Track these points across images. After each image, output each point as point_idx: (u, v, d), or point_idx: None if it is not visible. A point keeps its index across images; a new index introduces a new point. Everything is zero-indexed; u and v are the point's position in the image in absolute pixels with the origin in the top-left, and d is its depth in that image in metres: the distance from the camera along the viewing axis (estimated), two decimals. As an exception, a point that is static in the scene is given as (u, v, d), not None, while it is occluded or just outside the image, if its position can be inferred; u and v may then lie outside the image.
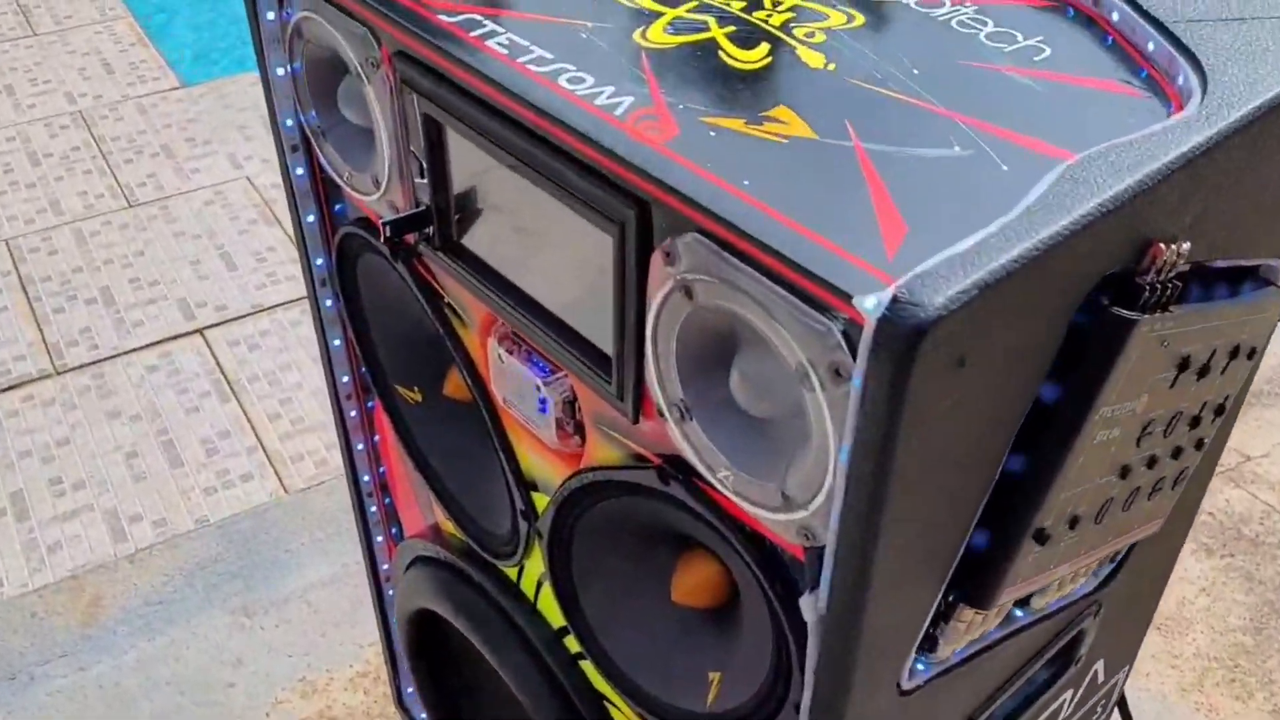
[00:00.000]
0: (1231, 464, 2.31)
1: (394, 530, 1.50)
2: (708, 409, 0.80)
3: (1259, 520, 2.20)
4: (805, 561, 0.79)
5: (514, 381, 1.00)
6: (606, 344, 0.86)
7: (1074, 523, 0.85)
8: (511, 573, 1.22)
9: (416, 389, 1.25)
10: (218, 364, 2.42)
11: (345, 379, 1.33)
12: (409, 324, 1.19)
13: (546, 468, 1.05)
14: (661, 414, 0.83)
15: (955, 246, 0.65)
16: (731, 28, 0.90)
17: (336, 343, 1.29)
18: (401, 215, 0.98)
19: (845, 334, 0.67)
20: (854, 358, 0.66)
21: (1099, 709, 1.34)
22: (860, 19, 0.91)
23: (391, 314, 1.21)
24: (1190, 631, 2.00)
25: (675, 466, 0.87)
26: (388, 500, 1.47)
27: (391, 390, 1.26)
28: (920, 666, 0.88)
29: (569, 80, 0.83)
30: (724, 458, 0.80)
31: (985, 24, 0.91)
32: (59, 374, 2.39)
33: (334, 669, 1.90)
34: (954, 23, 0.91)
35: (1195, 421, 0.93)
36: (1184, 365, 0.83)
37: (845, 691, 0.80)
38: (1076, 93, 0.83)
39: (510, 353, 1.00)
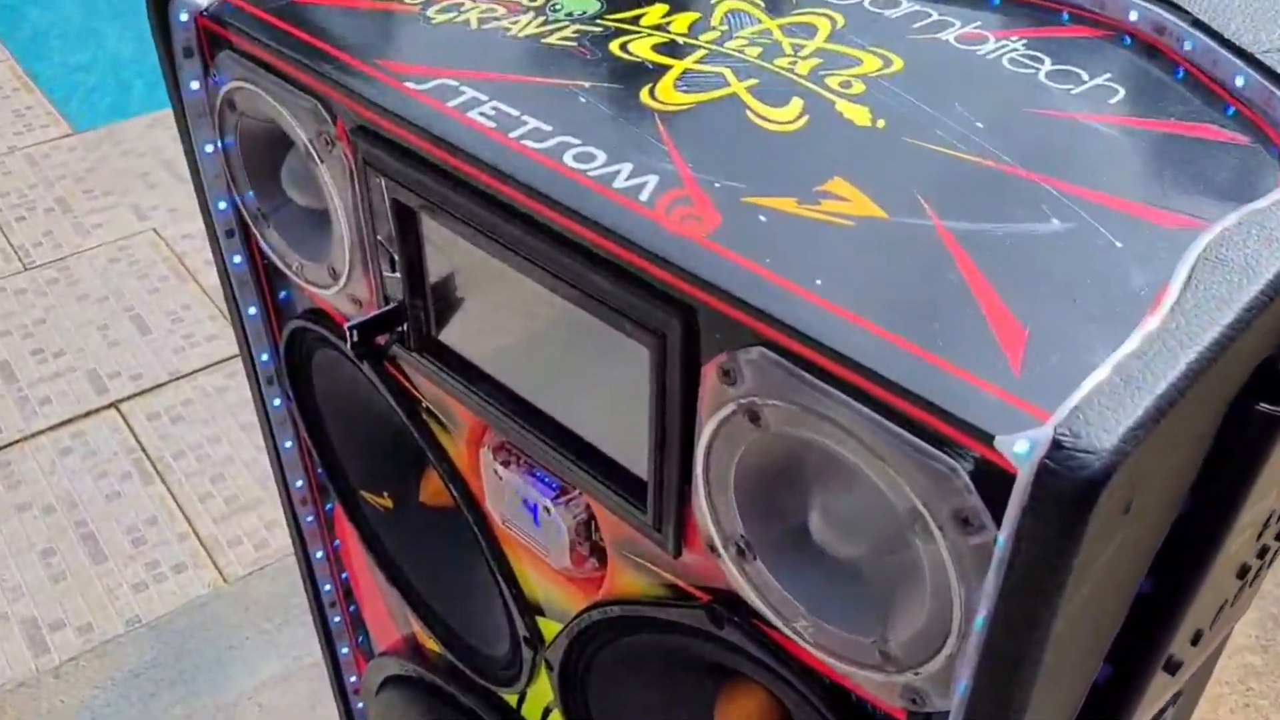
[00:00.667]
0: None
1: (360, 639, 1.34)
2: (776, 547, 0.67)
3: None
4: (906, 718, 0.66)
5: (514, 499, 0.86)
6: (639, 466, 0.72)
7: (1197, 638, 0.73)
8: (511, 698, 1.07)
9: (386, 494, 1.09)
10: (137, 441, 2.22)
11: (299, 484, 1.17)
12: (376, 424, 1.04)
13: (555, 592, 0.91)
14: (714, 549, 0.69)
15: (1104, 361, 0.53)
16: (753, 80, 0.77)
17: (288, 444, 1.13)
18: (370, 316, 0.83)
19: (974, 475, 0.54)
20: (986, 502, 0.53)
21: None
22: (899, 62, 0.78)
23: (354, 414, 1.05)
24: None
25: (728, 604, 0.74)
26: (353, 608, 1.31)
27: (356, 497, 1.10)
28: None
29: (575, 158, 0.69)
30: (801, 605, 0.66)
31: (1041, 61, 0.79)
32: (-41, 465, 2.17)
33: (294, 778, 1.73)
34: (1006, 60, 0.79)
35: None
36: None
37: None
38: (1167, 141, 0.71)
39: (508, 465, 0.85)
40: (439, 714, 1.14)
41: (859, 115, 0.73)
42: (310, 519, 1.20)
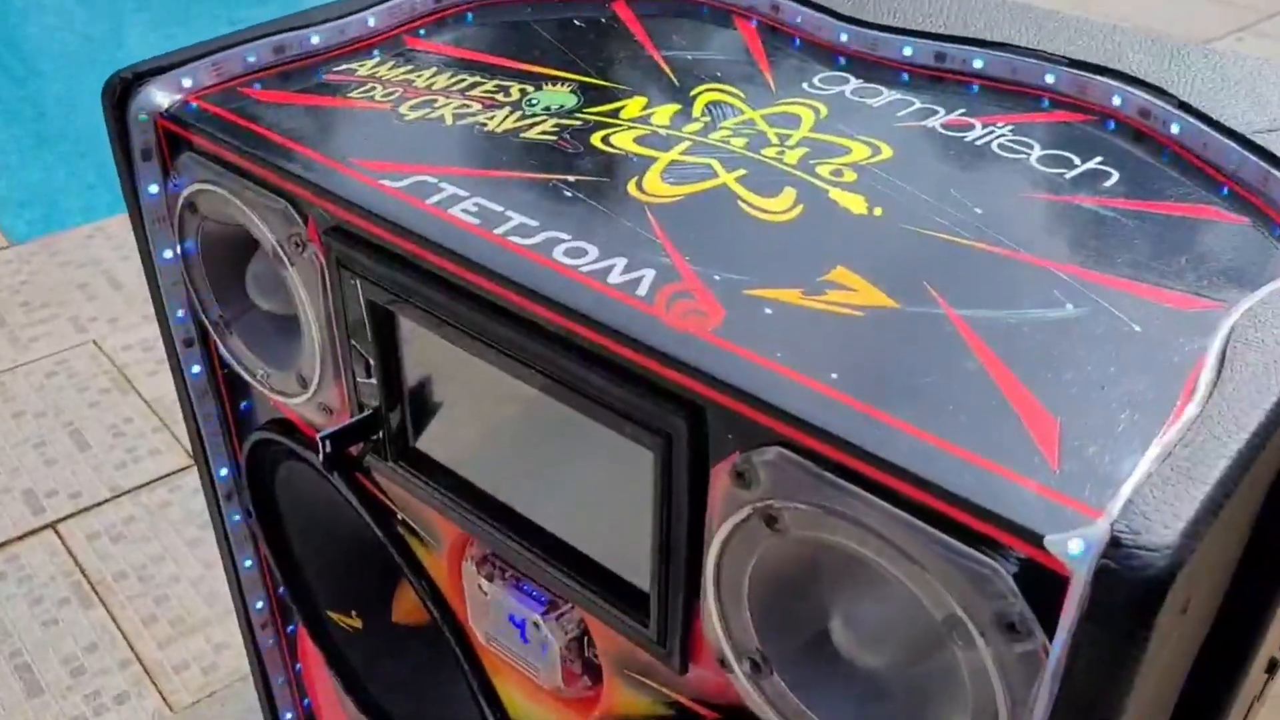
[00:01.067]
0: None
1: (324, 770, 1.26)
2: (795, 660, 0.62)
3: None
4: None
5: (500, 615, 0.81)
6: (641, 577, 0.68)
7: (1274, 667, 0.70)
8: (492, 830, 1.00)
9: (355, 614, 1.03)
10: (76, 563, 2.11)
11: (260, 605, 1.10)
12: (345, 539, 0.98)
13: (544, 715, 0.85)
14: (725, 665, 0.65)
15: (1146, 452, 0.50)
16: (742, 171, 0.75)
17: (248, 563, 1.07)
18: (343, 425, 0.79)
19: (1019, 578, 0.50)
20: (1032, 606, 0.50)
21: None
22: (887, 150, 0.77)
23: (321, 529, 1.00)
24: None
25: (739, 722, 0.69)
26: (314, 734, 1.23)
27: (322, 619, 1.04)
28: None
29: (566, 253, 0.66)
30: (823, 723, 0.62)
31: (1031, 147, 0.78)
32: (-117, 595, 2.05)
33: None
34: (995, 146, 0.78)
35: None
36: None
37: None
38: (1169, 223, 0.70)
39: (493, 579, 0.80)
40: None
41: (855, 204, 0.71)
42: (270, 642, 1.13)
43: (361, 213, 0.71)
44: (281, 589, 1.10)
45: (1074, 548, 0.46)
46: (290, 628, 1.14)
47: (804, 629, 0.62)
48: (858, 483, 0.54)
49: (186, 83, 0.83)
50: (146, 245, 0.88)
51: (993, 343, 0.59)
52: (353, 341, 0.77)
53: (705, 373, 0.58)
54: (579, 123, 0.80)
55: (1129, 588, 0.45)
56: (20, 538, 2.14)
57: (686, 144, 0.78)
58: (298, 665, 1.17)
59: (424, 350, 0.75)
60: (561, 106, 0.82)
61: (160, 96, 0.82)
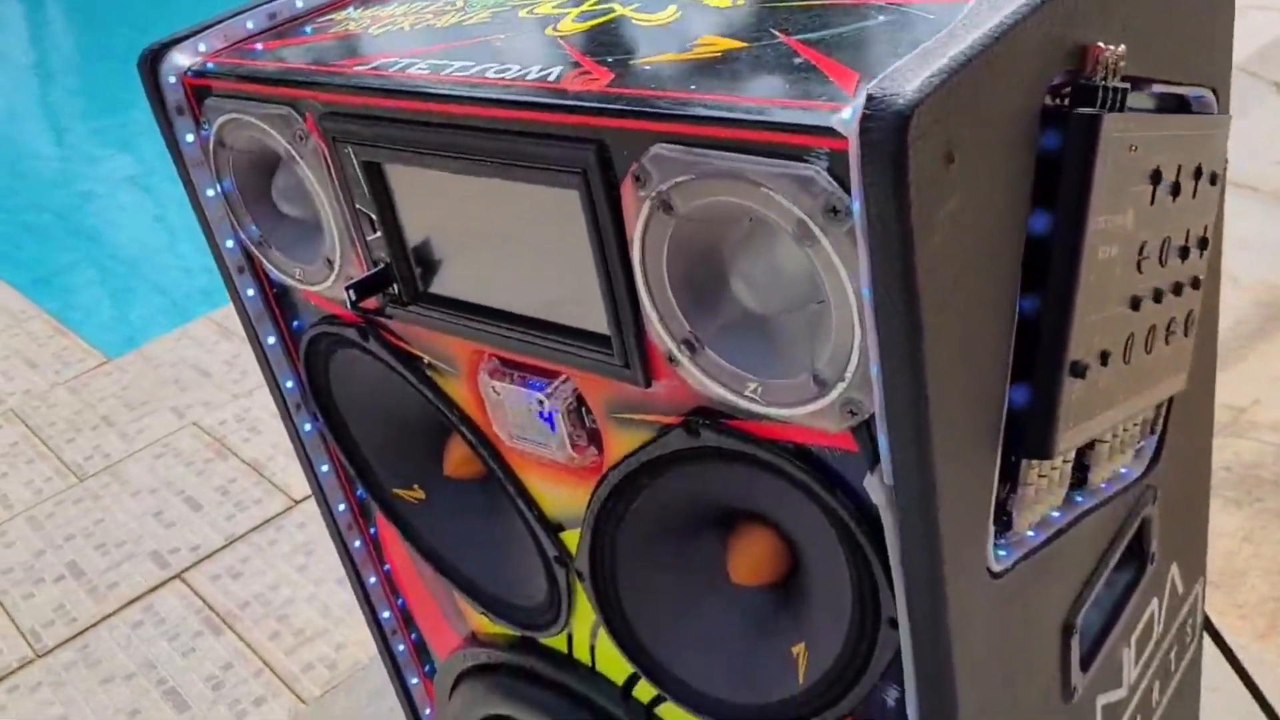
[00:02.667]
0: (1227, 420, 2.31)
1: (427, 669, 1.42)
2: (717, 333, 0.79)
3: (1273, 463, 2.19)
4: (858, 444, 0.76)
5: (514, 409, 0.98)
6: (600, 321, 0.85)
7: (1105, 358, 0.83)
8: (560, 643, 1.16)
9: (416, 486, 1.21)
10: (204, 601, 2.33)
11: (341, 507, 1.28)
12: (394, 420, 1.16)
13: (569, 498, 1.01)
14: (673, 360, 0.81)
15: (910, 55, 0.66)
16: (636, 4, 0.93)
17: (324, 469, 1.25)
18: (363, 276, 0.97)
19: (831, 171, 0.66)
20: (846, 189, 0.66)
21: (1189, 630, 1.28)
22: (752, -30, 0.95)
23: (374, 415, 1.18)
24: (1246, 580, 1.95)
25: (699, 415, 0.85)
26: (414, 635, 1.40)
27: (392, 499, 1.22)
28: (1003, 553, 0.84)
29: (495, 72, 0.85)
30: (746, 373, 0.78)
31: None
32: (40, 656, 2.28)
33: None
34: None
35: (1184, 253, 0.93)
36: (1156, 178, 0.84)
37: (938, 574, 0.76)
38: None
39: (502, 381, 0.98)
40: (508, 688, 1.21)
41: (722, 3, 0.89)
42: (358, 544, 1.31)
43: (338, 90, 0.91)
44: (359, 491, 1.28)
45: (845, 115, 0.62)
46: (373, 529, 1.32)
47: (715, 304, 0.78)
48: (716, 146, 0.71)
49: (202, 48, 1.05)
50: (192, 188, 1.09)
51: (817, 46, 0.76)
52: (357, 206, 0.96)
53: (598, 108, 0.75)
54: (509, 6, 0.99)
55: (884, 122, 0.61)
56: (152, 589, 2.36)
57: (593, 1, 0.96)
58: (386, 566, 1.34)
59: (412, 191, 0.93)
60: (499, 3, 1.02)
61: (183, 60, 1.04)
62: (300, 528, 2.50)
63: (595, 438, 0.96)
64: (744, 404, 0.79)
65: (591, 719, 1.14)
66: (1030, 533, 0.87)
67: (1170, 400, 1.05)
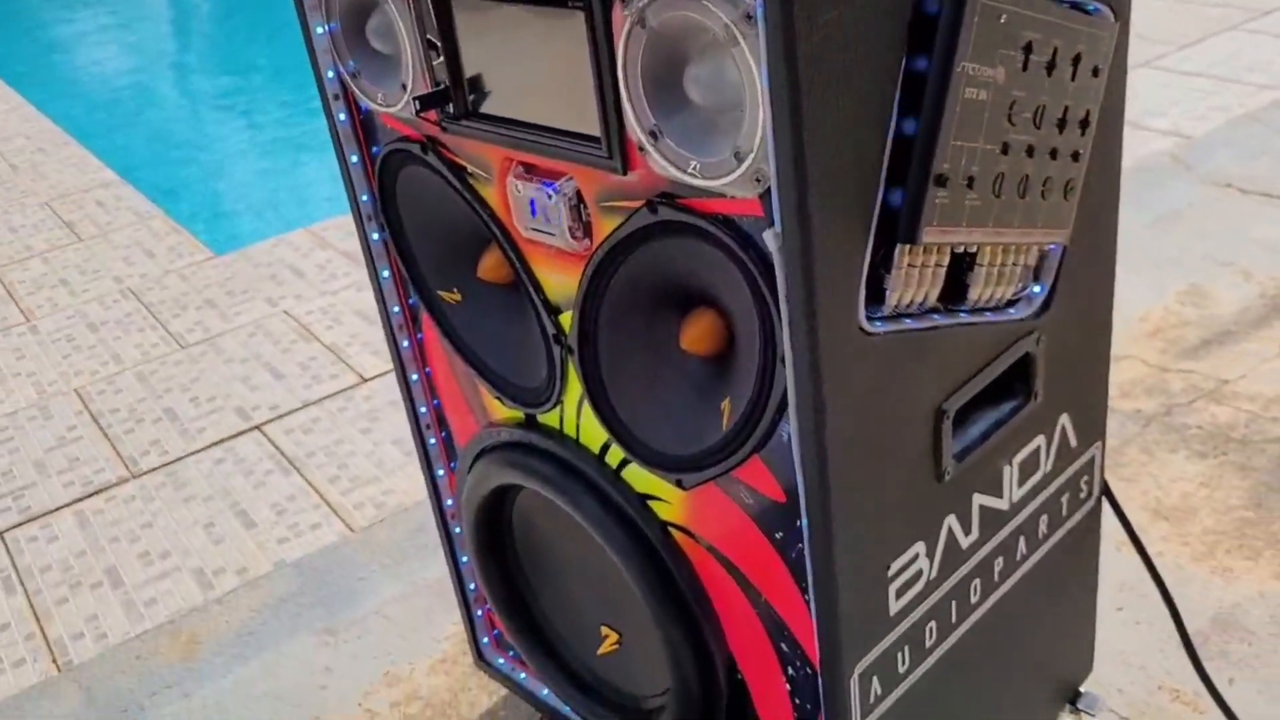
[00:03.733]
0: (1210, 388, 2.51)
1: (453, 465, 1.72)
2: (672, 126, 1.06)
3: (1244, 425, 2.38)
4: (764, 209, 1.03)
5: (530, 203, 1.26)
6: (593, 124, 1.13)
7: (970, 182, 1.09)
8: (553, 420, 1.44)
9: (455, 290, 1.50)
10: (277, 449, 2.67)
11: (396, 309, 1.58)
12: (443, 230, 1.45)
13: (567, 284, 1.30)
14: (642, 149, 1.09)
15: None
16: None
17: (385, 274, 1.55)
18: (427, 92, 1.27)
19: (749, -11, 0.94)
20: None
21: (1084, 486, 1.51)
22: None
23: (428, 226, 1.47)
24: (1196, 516, 2.15)
25: (659, 197, 1.12)
26: (445, 433, 1.69)
27: (435, 299, 1.51)
28: (878, 323, 1.10)
29: (537, -69, 1.13)
30: (690, 154, 1.05)
31: None
32: (135, 477, 2.63)
33: (415, 661, 2.06)
34: None
35: (1062, 125, 1.18)
36: (1029, 50, 1.09)
37: (812, 316, 1.02)
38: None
39: (522, 180, 1.26)
40: (512, 460, 1.50)
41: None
42: (406, 344, 1.61)
43: (424, -61, 1.20)
44: (411, 299, 1.57)
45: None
46: (420, 335, 1.61)
47: (672, 102, 1.06)
48: (675, -25, 0.98)
49: (326, -86, 1.35)
50: (306, 27, 1.40)
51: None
52: (428, 36, 1.26)
53: (600, -50, 1.04)
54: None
55: (777, -51, 0.88)
56: (234, 436, 2.70)
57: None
58: (428, 369, 1.64)
59: (467, 25, 1.22)
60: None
61: (310, -79, 1.34)
62: (366, 399, 2.82)
63: (589, 230, 1.24)
64: (688, 179, 1.06)
65: (576, 482, 1.42)
66: (909, 320, 1.13)
67: (1062, 264, 1.30)
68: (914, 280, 1.10)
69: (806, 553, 1.18)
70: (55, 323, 3.42)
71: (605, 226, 1.21)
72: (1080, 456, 1.48)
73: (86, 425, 2.87)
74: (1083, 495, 1.52)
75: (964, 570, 1.34)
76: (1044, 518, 1.45)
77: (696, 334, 1.22)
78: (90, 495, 2.59)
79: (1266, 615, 1.93)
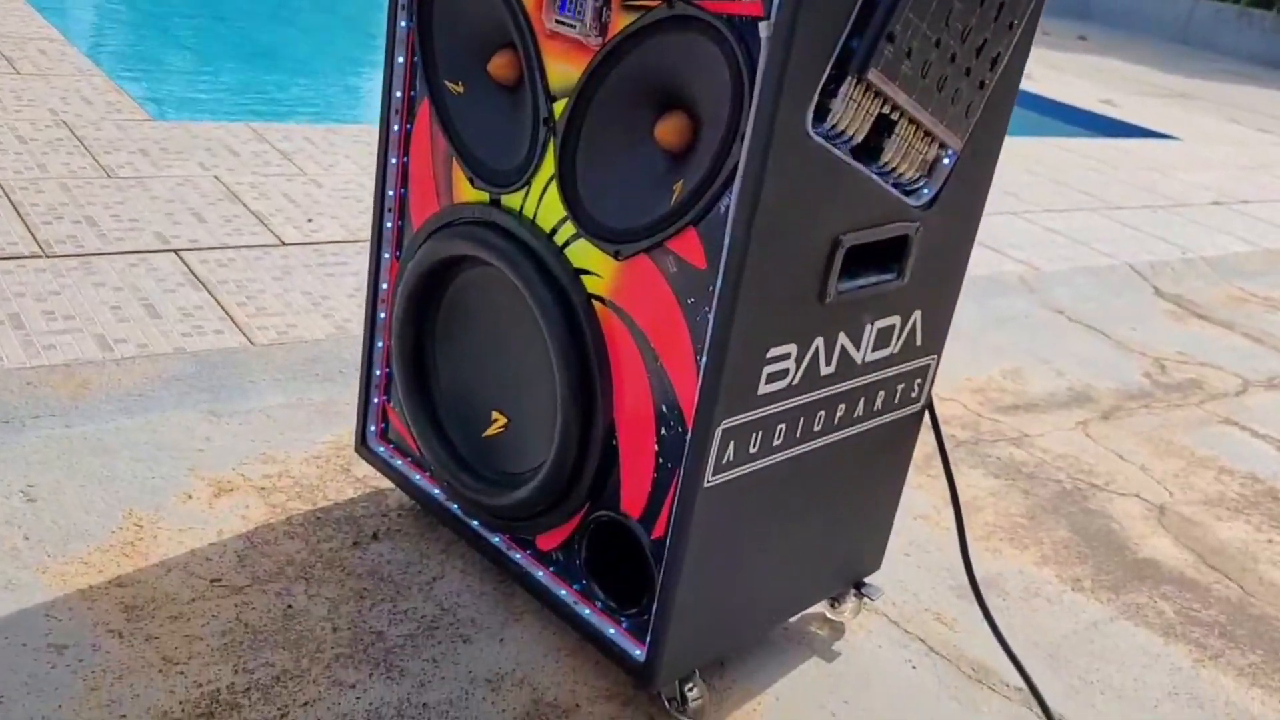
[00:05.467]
0: (1013, 436, 2.92)
1: (399, 254, 1.95)
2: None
3: (1035, 465, 2.79)
4: (763, 10, 1.35)
5: (558, 2, 1.55)
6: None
7: (909, 53, 1.44)
8: (515, 202, 1.70)
9: (461, 83, 1.77)
10: (190, 271, 2.82)
11: (398, 94, 1.83)
12: (469, 24, 1.73)
13: (571, 72, 1.58)
14: (676, -44, 1.40)
15: None
16: None
17: (400, 60, 1.81)
18: (504, -109, 1.56)
19: None
20: None
21: (916, 388, 1.85)
22: None
23: (453, 19, 1.75)
24: (981, 513, 2.53)
25: None
26: (402, 223, 1.93)
27: (441, 87, 1.78)
28: (818, 134, 1.42)
29: None
30: (716, -39, 1.37)
31: None
32: (49, 257, 2.75)
33: (291, 451, 2.24)
34: None
35: (979, 52, 1.54)
36: (968, -20, 1.46)
37: (775, 102, 1.34)
38: None
39: (560, -18, 1.56)
40: (468, 233, 1.75)
41: None
42: (396, 128, 1.86)
43: None
44: (413, 91, 1.83)
45: None
46: (410, 125, 1.86)
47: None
48: None
49: None
50: None
51: None
52: None
53: None
54: None
55: None
56: (152, 251, 2.86)
57: None
58: (406, 158, 1.88)
59: None
60: None
61: None
62: (283, 258, 3.01)
63: (604, 30, 1.54)
64: (705, -20, 1.38)
65: (522, 254, 1.68)
66: (837, 146, 1.46)
67: (949, 178, 1.65)
68: (849, 113, 1.43)
69: (711, 315, 1.47)
70: (-17, 126, 3.49)
71: (621, 23, 1.51)
72: (919, 358, 1.82)
73: (6, 208, 2.96)
74: (914, 395, 1.86)
75: (816, 395, 1.65)
76: (881, 393, 1.78)
77: (670, 127, 1.52)
78: (1, 259, 2.69)
79: (1021, 585, 2.30)
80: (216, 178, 3.45)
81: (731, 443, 1.55)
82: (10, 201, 3.01)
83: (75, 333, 2.44)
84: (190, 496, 2.06)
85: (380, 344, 2.02)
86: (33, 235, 2.84)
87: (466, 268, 1.82)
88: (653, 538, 1.65)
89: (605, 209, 1.59)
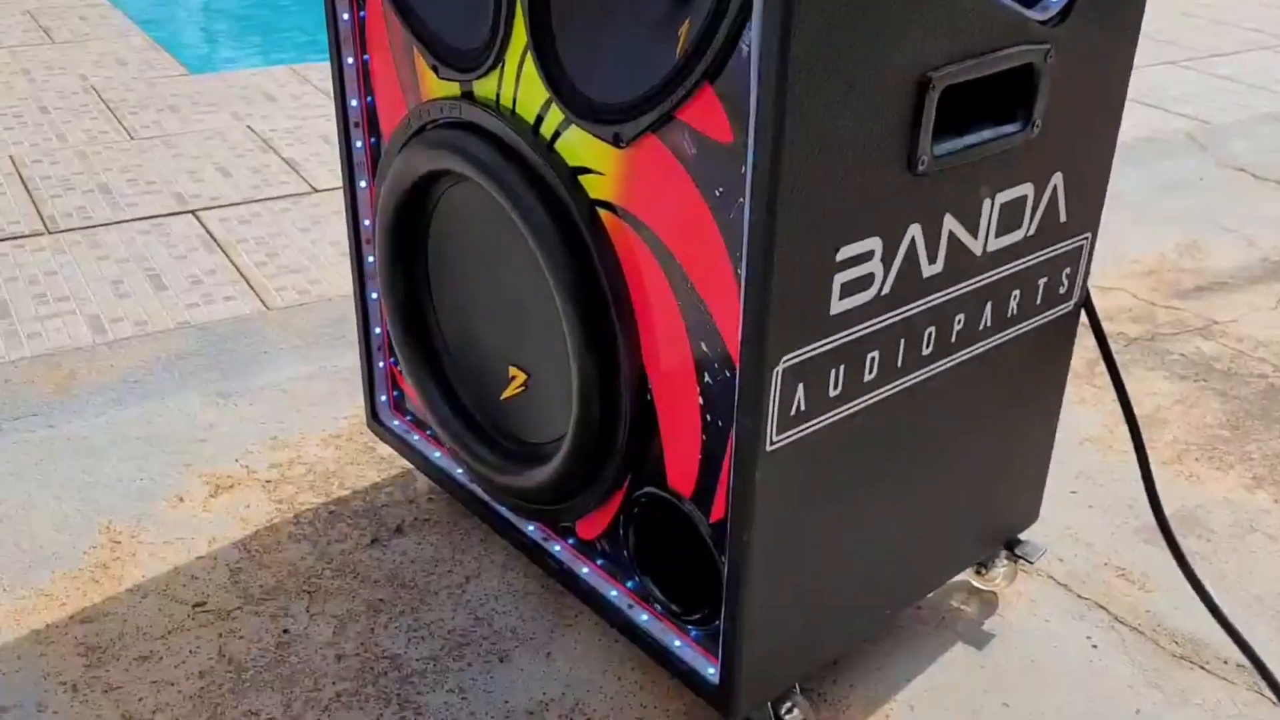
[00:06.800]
0: (1198, 325, 2.36)
1: (375, 179, 1.54)
2: None
3: (1230, 359, 2.23)
4: None
5: None
6: None
7: None
8: (490, 89, 1.27)
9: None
10: (208, 232, 2.49)
11: (347, -20, 1.41)
12: None
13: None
14: None
15: None
16: None
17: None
18: None
19: None
20: None
21: (1065, 281, 1.35)
22: None
23: None
24: (1167, 428, 2.00)
25: None
26: (375, 140, 1.52)
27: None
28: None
29: None
30: None
31: None
32: (51, 233, 2.45)
33: (307, 432, 1.88)
34: None
35: None
36: None
37: None
38: None
39: None
40: (444, 139, 1.33)
41: None
42: (346, 17, 1.44)
43: None
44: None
45: None
46: (363, 14, 1.44)
47: None
48: None
49: None
50: None
51: None
52: None
53: None
54: None
55: None
56: (167, 215, 2.53)
57: None
58: (366, 56, 1.47)
59: None
60: None
61: None
62: (314, 206, 2.65)
63: None
64: None
65: (506, 160, 1.25)
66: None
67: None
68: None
69: (746, 208, 1.01)
70: (5, 103, 3.23)
71: None
72: (1067, 240, 1.32)
73: (14, 185, 2.68)
74: (1062, 291, 1.36)
75: (920, 307, 1.18)
76: (1017, 294, 1.29)
77: (663, -52, 1.05)
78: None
79: (1230, 519, 1.77)
80: (249, 127, 3.12)
81: (800, 386, 1.10)
82: (20, 177, 2.73)
83: (67, 316, 2.13)
84: (182, 499, 1.72)
85: (374, 295, 1.62)
86: (38, 211, 2.55)
87: (447, 186, 1.40)
88: (711, 521, 1.22)
89: (596, 80, 1.14)
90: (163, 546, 1.63)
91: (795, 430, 1.11)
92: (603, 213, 1.19)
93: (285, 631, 1.48)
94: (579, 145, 1.19)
